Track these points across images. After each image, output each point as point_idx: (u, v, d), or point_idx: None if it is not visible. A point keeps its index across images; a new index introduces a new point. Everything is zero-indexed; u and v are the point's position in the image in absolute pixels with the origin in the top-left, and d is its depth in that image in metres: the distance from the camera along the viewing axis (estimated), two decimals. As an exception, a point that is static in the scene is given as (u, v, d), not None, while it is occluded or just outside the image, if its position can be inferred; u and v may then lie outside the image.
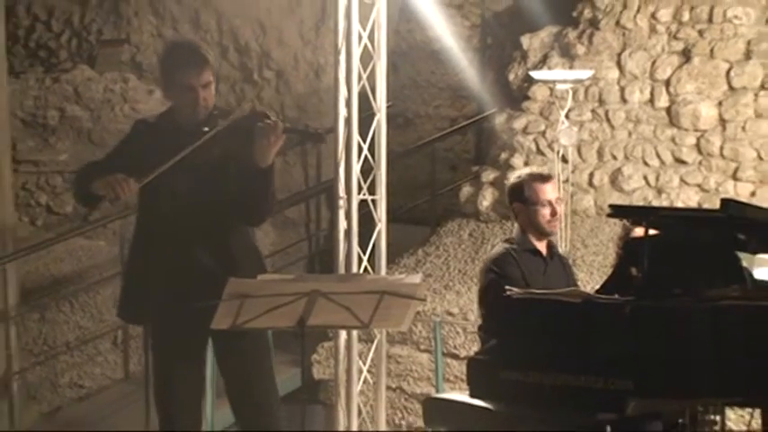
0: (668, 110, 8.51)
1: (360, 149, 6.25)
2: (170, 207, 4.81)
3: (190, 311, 4.54)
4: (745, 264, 4.97)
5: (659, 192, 8.43)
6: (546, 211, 5.44)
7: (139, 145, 4.88)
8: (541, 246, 5.51)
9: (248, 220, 4.97)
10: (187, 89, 4.83)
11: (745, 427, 6.35)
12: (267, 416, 4.97)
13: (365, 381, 6.57)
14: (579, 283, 5.92)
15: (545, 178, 5.53)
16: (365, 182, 6.39)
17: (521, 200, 5.48)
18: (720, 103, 8.40)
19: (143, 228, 4.98)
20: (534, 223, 5.45)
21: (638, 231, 5.10)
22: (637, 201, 8.37)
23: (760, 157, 8.29)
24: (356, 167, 6.28)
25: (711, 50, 8.46)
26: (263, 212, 4.95)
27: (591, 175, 8.61)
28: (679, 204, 8.25)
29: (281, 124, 4.73)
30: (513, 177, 5.68)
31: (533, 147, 8.82)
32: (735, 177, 8.32)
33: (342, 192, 6.28)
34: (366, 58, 6.37)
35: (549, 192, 5.46)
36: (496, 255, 5.46)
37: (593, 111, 8.70)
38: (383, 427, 6.65)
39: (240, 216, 4.90)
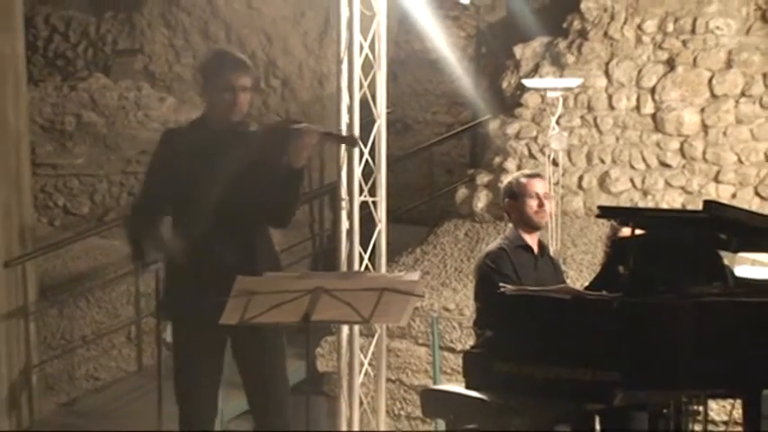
0: (653, 116, 8.51)
1: (361, 153, 6.25)
2: (202, 206, 4.74)
3: (211, 308, 4.51)
4: (726, 262, 4.97)
5: (645, 194, 8.43)
6: (533, 203, 5.44)
7: (170, 155, 4.79)
8: (533, 242, 5.51)
9: (274, 220, 4.89)
10: (227, 89, 4.73)
11: (726, 417, 6.35)
12: (279, 411, 4.94)
13: (366, 373, 6.56)
14: (569, 280, 5.92)
15: (533, 175, 5.60)
16: (366, 184, 6.39)
17: (511, 195, 5.51)
18: (703, 110, 8.40)
19: (178, 226, 4.89)
20: (523, 215, 5.45)
21: (626, 231, 5.11)
22: (624, 202, 8.37)
23: (740, 161, 8.29)
24: (358, 170, 6.28)
25: (694, 60, 8.46)
26: (290, 213, 4.86)
27: (580, 178, 8.61)
28: (664, 206, 8.24)
29: (316, 127, 4.71)
30: (505, 181, 5.70)
31: (526, 151, 8.81)
32: (716, 180, 8.31)
33: (344, 193, 6.28)
34: (367, 67, 6.37)
35: (536, 185, 5.48)
36: (490, 251, 5.47)
37: (582, 117, 8.69)
38: (383, 416, 6.65)
39: (267, 217, 4.84)
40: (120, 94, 10.37)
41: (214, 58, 4.95)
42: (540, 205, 5.46)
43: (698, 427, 5.13)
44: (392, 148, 7.54)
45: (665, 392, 4.79)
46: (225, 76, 4.74)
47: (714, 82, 8.39)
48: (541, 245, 5.59)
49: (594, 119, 8.66)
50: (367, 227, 6.45)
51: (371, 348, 6.56)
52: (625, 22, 8.67)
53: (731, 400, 5.93)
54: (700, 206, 4.95)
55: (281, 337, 4.95)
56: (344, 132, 4.86)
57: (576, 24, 8.90)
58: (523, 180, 5.49)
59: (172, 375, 5.28)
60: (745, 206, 7.74)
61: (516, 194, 5.47)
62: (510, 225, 5.59)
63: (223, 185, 4.69)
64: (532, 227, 5.49)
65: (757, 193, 8.23)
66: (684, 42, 8.50)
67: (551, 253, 5.76)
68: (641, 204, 8.32)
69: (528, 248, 5.47)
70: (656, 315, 4.48)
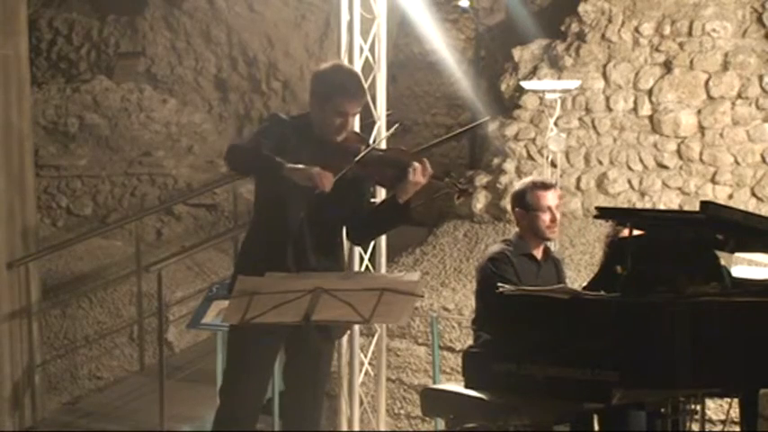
0: (651, 118, 8.50)
1: (361, 155, 6.23)
2: (293, 209, 4.72)
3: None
4: (723, 262, 4.96)
5: (642, 195, 8.42)
6: (546, 217, 5.36)
7: (279, 135, 4.74)
8: (538, 251, 5.45)
9: (357, 239, 5.06)
10: (340, 114, 4.73)
11: (723, 416, 6.34)
12: (313, 419, 4.94)
13: (366, 372, 6.57)
14: (567, 280, 5.90)
15: (547, 186, 5.45)
16: (366, 185, 6.37)
17: (522, 206, 5.40)
18: (699, 112, 8.39)
19: (262, 221, 4.88)
20: (534, 228, 5.38)
21: (626, 232, 5.09)
22: (621, 203, 8.36)
23: (737, 162, 8.28)
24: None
25: (691, 62, 8.45)
26: (374, 238, 5.02)
27: (578, 179, 8.60)
28: (661, 207, 8.23)
29: (430, 169, 4.70)
30: (517, 185, 5.60)
31: (524, 152, 8.80)
32: (713, 181, 8.31)
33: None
34: (367, 69, 6.37)
35: (550, 198, 5.38)
36: (493, 253, 5.41)
37: (580, 119, 8.68)
38: (383, 415, 6.64)
39: (351, 234, 4.93)
40: (123, 96, 10.37)
41: (335, 78, 4.83)
42: (553, 220, 5.38)
43: (695, 426, 5.12)
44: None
45: (662, 392, 4.78)
46: (341, 102, 4.73)
47: (711, 84, 8.38)
48: (546, 249, 5.54)
49: (592, 120, 8.65)
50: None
51: (371, 348, 6.56)
52: (622, 25, 8.67)
53: (728, 400, 5.93)
54: (697, 207, 4.93)
55: (332, 346, 4.97)
56: (459, 181, 4.81)
57: (574, 27, 8.90)
58: (537, 192, 5.37)
59: (174, 375, 5.26)
60: (742, 207, 7.74)
61: (529, 206, 5.37)
62: (516, 230, 5.52)
63: (318, 195, 4.63)
64: (542, 239, 5.44)
65: (754, 194, 8.22)
66: (681, 45, 8.49)
67: (553, 252, 5.70)
68: (639, 205, 8.31)
69: (532, 257, 5.43)
70: (654, 315, 4.47)
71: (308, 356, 4.85)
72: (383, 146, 5.47)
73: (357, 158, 4.65)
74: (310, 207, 4.73)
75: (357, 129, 5.81)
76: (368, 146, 4.79)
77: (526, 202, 5.38)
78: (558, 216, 5.41)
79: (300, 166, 4.56)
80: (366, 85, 6.32)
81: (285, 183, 4.61)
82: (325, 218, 4.79)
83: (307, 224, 4.76)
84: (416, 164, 4.68)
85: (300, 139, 4.74)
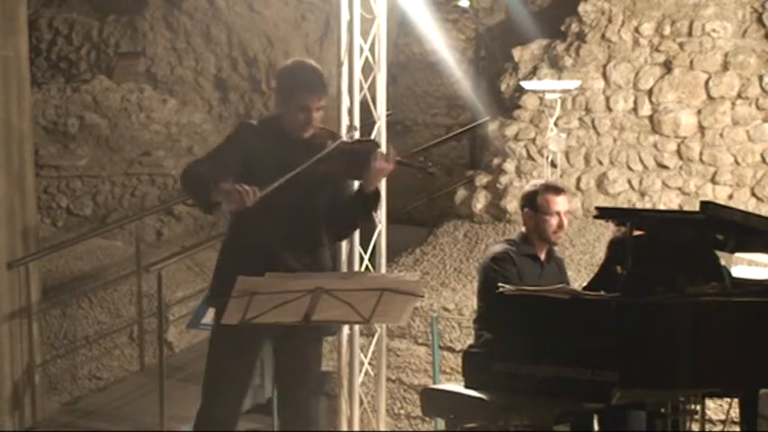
0: (651, 118, 8.50)
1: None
2: (267, 212, 4.71)
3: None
4: (723, 262, 4.96)
5: (642, 195, 8.42)
6: (554, 221, 5.38)
7: (245, 145, 4.79)
8: (541, 252, 5.46)
9: (335, 234, 4.99)
10: (302, 110, 4.77)
11: (723, 416, 6.34)
12: (308, 418, 4.93)
13: (366, 372, 6.56)
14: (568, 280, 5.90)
15: (558, 190, 5.46)
16: (366, 185, 6.37)
17: (532, 207, 5.41)
18: (699, 112, 8.39)
19: (238, 227, 4.89)
20: (541, 232, 5.40)
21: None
22: (621, 203, 8.36)
23: (737, 162, 8.28)
24: (358, 172, 6.26)
25: (691, 62, 8.45)
26: (350, 231, 4.97)
27: (578, 179, 8.60)
28: (661, 207, 8.23)
29: (395, 155, 4.71)
30: (529, 185, 5.61)
31: (524, 153, 8.80)
32: (713, 181, 8.30)
33: (344, 195, 6.26)
34: (367, 69, 6.37)
35: (559, 203, 5.40)
36: (496, 253, 5.41)
37: (580, 119, 8.68)
38: (383, 415, 6.64)
39: (331, 230, 4.90)
40: (123, 96, 10.37)
41: (294, 75, 4.89)
42: (560, 225, 5.40)
43: (695, 426, 5.12)
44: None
45: (662, 392, 4.78)
46: (302, 97, 4.77)
47: (711, 84, 8.38)
48: (549, 250, 5.54)
49: (592, 120, 8.65)
50: (367, 228, 6.44)
51: (371, 348, 6.55)
52: (622, 25, 8.67)
53: (728, 400, 5.93)
54: (697, 207, 4.93)
55: (320, 345, 4.95)
56: (426, 164, 4.84)
57: (574, 27, 8.90)
58: (548, 196, 5.38)
59: (174, 375, 5.25)
60: (742, 207, 7.73)
61: (538, 208, 5.38)
62: (521, 230, 5.53)
63: (293, 193, 4.66)
64: (547, 242, 5.45)
65: (753, 194, 8.22)
66: (681, 45, 8.49)
67: (556, 252, 5.70)
68: (639, 205, 8.31)
69: (535, 258, 5.44)
70: (654, 315, 4.47)
71: (297, 358, 4.85)
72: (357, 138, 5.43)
73: (320, 155, 4.65)
74: (287, 206, 4.73)
75: (359, 124, 5.82)
76: (336, 141, 4.80)
77: (536, 205, 5.39)
78: (565, 222, 5.43)
79: (228, 186, 4.59)
80: (366, 85, 6.37)
81: (257, 182, 4.61)
82: (303, 216, 4.79)
83: (284, 224, 4.76)
84: (379, 150, 4.71)
85: (271, 140, 4.77)
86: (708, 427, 5.80)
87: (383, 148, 4.74)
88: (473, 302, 6.43)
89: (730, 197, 8.21)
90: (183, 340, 8.69)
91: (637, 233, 4.70)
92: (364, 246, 6.41)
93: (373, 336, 6.57)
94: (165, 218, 9.89)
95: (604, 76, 8.66)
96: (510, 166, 8.77)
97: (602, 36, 8.71)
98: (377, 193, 4.80)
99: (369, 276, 5.35)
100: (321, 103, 4.82)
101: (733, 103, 8.33)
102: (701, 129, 8.36)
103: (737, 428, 4.83)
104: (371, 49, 6.36)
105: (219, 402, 4.84)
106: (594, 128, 8.64)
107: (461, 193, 9.14)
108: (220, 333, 4.81)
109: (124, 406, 7.99)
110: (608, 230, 7.65)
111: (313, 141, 4.77)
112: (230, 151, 4.81)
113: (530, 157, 8.76)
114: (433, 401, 5.40)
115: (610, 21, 8.71)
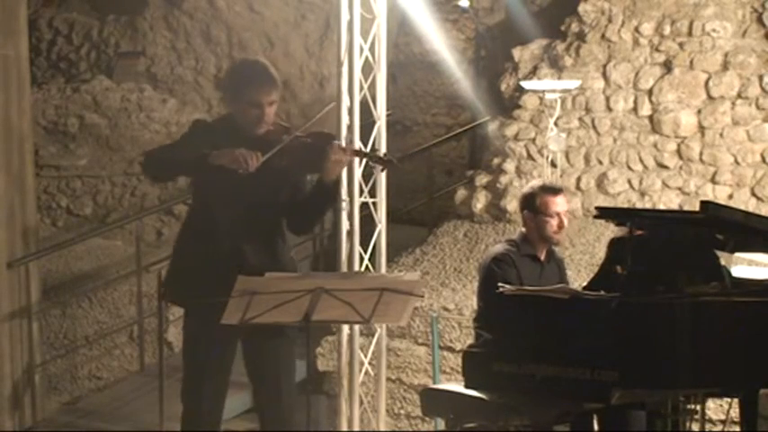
0: (651, 118, 8.50)
1: (361, 155, 6.24)
2: (227, 204, 4.74)
3: (225, 305, 4.46)
4: (723, 262, 4.96)
5: (642, 195, 8.42)
6: (554, 222, 5.39)
7: (199, 142, 4.77)
8: (542, 252, 5.47)
9: (297, 228, 4.97)
10: (254, 105, 4.75)
11: (723, 416, 6.34)
12: (286, 415, 4.92)
13: (366, 372, 6.56)
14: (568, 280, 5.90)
15: (556, 191, 5.47)
16: (366, 185, 6.39)
17: (531, 209, 5.42)
18: (699, 112, 8.39)
19: (197, 219, 4.89)
20: (541, 232, 5.41)
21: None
22: (621, 203, 8.36)
23: (737, 162, 8.28)
24: (358, 172, 6.28)
25: (691, 62, 8.45)
26: (313, 223, 5.01)
27: (578, 179, 8.60)
28: (661, 206, 8.23)
29: (352, 146, 4.74)
30: (527, 187, 5.61)
31: (524, 152, 8.80)
32: (713, 181, 8.30)
33: (344, 195, 6.27)
34: (367, 69, 6.37)
35: (558, 204, 5.41)
36: (497, 253, 5.42)
37: (580, 119, 8.68)
38: (383, 415, 6.64)
39: (291, 223, 4.90)
40: (123, 95, 10.36)
41: (241, 72, 4.91)
42: (560, 226, 5.41)
43: (695, 426, 5.12)
44: (392, 150, 7.52)
45: (662, 392, 4.78)
46: (252, 93, 4.75)
47: (711, 84, 8.38)
48: (549, 250, 5.54)
49: (592, 120, 8.65)
50: (367, 227, 6.45)
51: (371, 348, 6.55)
52: (622, 25, 8.67)
53: (728, 400, 5.93)
54: (697, 207, 4.93)
55: (291, 342, 4.94)
56: (381, 153, 4.88)
57: (574, 27, 8.90)
58: (546, 197, 5.40)
59: (173, 375, 5.25)
60: (742, 207, 7.73)
61: (537, 210, 5.39)
62: (522, 230, 5.53)
63: (251, 189, 4.67)
64: (548, 243, 5.46)
65: (754, 194, 8.22)
66: (681, 45, 8.49)
67: (556, 252, 5.70)
68: (639, 205, 8.31)
69: (535, 258, 5.44)
70: (654, 315, 4.47)
71: (265, 352, 4.84)
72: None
73: (279, 147, 4.66)
74: (244, 202, 4.73)
75: (359, 124, 5.81)
76: (291, 135, 4.80)
77: (535, 207, 5.40)
78: (565, 222, 5.43)
79: (225, 150, 4.60)
80: (366, 85, 6.36)
81: (215, 177, 4.63)
82: (260, 212, 4.78)
83: (242, 219, 4.76)
84: (335, 142, 4.73)
85: (225, 139, 4.75)
86: (708, 427, 5.80)
87: (339, 140, 4.74)
88: (473, 302, 6.43)
89: (730, 197, 8.21)
90: (182, 340, 8.68)
91: (637, 233, 4.70)
92: (364, 246, 6.41)
93: (373, 336, 6.57)
94: (165, 218, 9.89)
95: (604, 75, 8.66)
96: (510, 165, 8.77)
97: (602, 36, 8.71)
98: (337, 185, 4.81)
99: (369, 276, 5.35)
100: (273, 98, 4.79)
101: (733, 103, 8.33)
102: (701, 129, 8.36)
103: (737, 428, 4.83)
104: (371, 49, 6.36)
105: (198, 404, 4.86)
106: (594, 128, 8.64)
107: (461, 193, 9.14)
108: (191, 335, 4.88)
109: (124, 406, 7.99)
110: (608, 230, 7.66)
111: (267, 138, 4.75)
112: (187, 148, 4.79)
113: (530, 156, 8.76)
114: (433, 401, 5.40)
115: (610, 21, 8.71)
